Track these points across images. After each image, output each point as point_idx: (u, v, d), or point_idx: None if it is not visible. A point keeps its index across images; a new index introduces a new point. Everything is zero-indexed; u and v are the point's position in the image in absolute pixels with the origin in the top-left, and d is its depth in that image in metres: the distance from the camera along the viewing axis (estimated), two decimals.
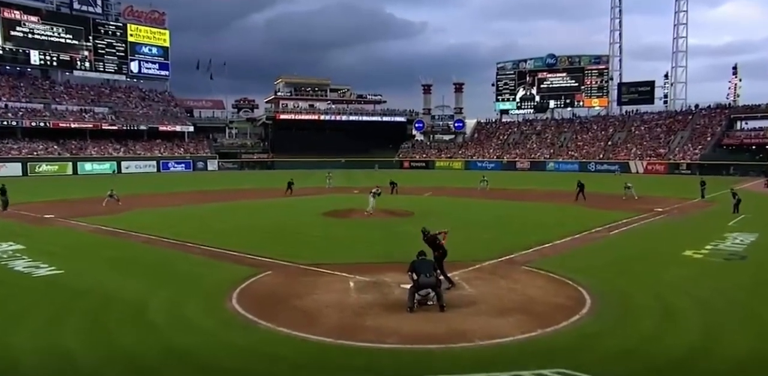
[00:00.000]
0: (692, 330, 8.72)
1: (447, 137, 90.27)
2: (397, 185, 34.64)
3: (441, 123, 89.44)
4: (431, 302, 9.66)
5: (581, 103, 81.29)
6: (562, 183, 42.84)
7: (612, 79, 79.46)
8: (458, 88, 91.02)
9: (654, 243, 16.64)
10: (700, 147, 62.28)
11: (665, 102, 75.71)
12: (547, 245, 15.87)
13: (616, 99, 78.71)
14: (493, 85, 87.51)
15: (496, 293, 10.90)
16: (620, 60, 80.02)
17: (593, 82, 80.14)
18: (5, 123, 62.27)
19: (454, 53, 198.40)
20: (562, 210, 25.37)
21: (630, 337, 8.40)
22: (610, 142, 71.23)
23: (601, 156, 67.86)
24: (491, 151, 79.10)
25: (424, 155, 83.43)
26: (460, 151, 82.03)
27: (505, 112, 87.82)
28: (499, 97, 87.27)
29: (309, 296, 10.63)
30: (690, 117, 69.55)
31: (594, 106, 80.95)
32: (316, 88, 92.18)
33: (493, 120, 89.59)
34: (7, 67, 69.80)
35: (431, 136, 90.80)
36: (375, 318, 9.20)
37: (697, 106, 71.04)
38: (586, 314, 9.45)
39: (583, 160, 67.86)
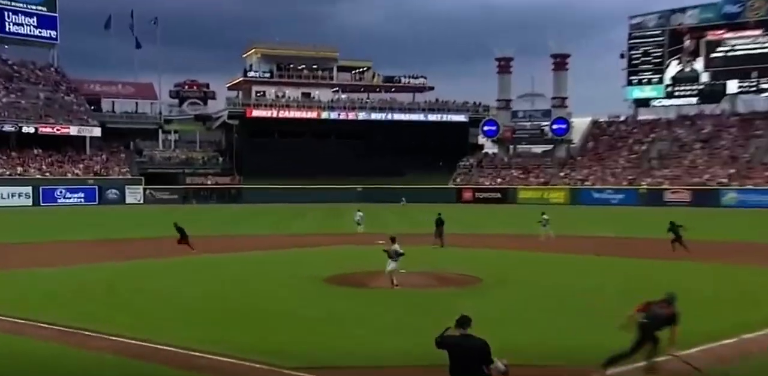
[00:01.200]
0: None
1: (539, 149, 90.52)
2: (444, 225, 34.88)
3: (528, 124, 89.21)
4: None
5: None
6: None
7: None
8: (560, 63, 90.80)
9: None
10: None
11: None
12: (729, 340, 14.82)
13: None
14: (622, 56, 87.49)
15: None
16: None
17: None
18: None
19: (553, 3, 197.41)
20: (756, 276, 24.19)
21: None
22: None
23: None
24: (618, 171, 78.05)
25: (499, 180, 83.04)
26: (561, 173, 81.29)
27: (643, 103, 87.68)
28: (632, 77, 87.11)
29: None
30: None
31: None
32: (315, 66, 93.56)
33: (623, 118, 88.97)
34: None
35: (511, 147, 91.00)
36: None
37: None
38: None
39: None
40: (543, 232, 37.09)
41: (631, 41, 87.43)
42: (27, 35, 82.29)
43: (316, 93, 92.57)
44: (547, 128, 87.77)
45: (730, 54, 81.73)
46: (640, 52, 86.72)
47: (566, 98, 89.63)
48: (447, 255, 30.45)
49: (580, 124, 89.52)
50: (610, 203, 71.09)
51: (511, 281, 22.87)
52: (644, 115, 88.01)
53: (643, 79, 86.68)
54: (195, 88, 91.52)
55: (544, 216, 37.92)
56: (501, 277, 23.63)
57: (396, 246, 21.94)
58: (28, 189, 70.79)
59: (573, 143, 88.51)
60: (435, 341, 9.13)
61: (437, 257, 29.11)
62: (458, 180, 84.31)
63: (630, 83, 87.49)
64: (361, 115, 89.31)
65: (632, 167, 78.49)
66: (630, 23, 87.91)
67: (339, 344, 14.78)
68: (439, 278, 23.94)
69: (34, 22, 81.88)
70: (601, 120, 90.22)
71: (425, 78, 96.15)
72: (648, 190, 72.24)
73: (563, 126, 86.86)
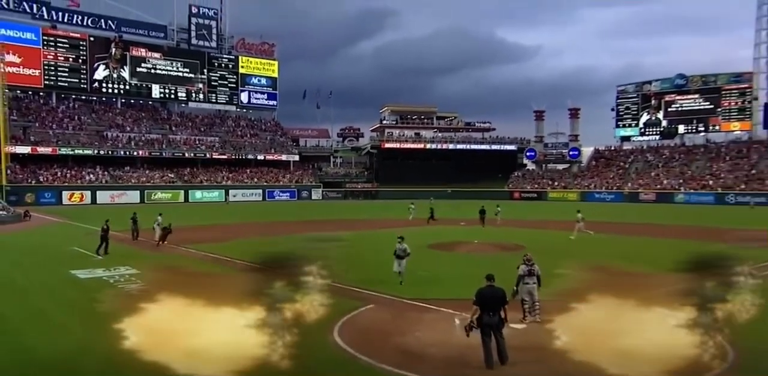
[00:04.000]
0: None
1: (561, 166, 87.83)
2: (486, 214, 33.54)
3: (554, 151, 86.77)
4: None
5: (717, 127, 76.60)
6: (694, 217, 40.28)
7: (756, 99, 73.88)
8: (574, 113, 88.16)
9: None
10: None
11: None
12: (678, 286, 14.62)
13: (762, 121, 72.63)
14: (612, 109, 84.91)
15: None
16: None
17: (732, 104, 75.36)
18: (127, 153, 68.67)
19: (570, 77, 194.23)
20: (696, 247, 23.44)
21: None
22: (753, 171, 65.75)
23: (743, 187, 62.62)
24: (610, 181, 75.73)
25: (536, 185, 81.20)
26: (575, 182, 79.23)
27: (626, 138, 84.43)
28: (619, 122, 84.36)
29: (412, 333, 10.63)
30: None
31: (733, 130, 75.99)
32: (423, 116, 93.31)
33: (613, 148, 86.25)
34: (132, 101, 77.64)
35: (543, 165, 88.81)
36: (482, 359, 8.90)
37: None
38: (727, 368, 8.67)
39: (721, 191, 62.97)
40: (496, 218, 34.42)
41: (618, 100, 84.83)
42: (260, 104, 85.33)
43: (423, 133, 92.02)
44: (566, 154, 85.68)
45: (680, 109, 79.01)
46: (624, 107, 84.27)
47: (578, 135, 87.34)
48: (503, 232, 29.07)
49: (587, 151, 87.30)
50: (605, 200, 69.47)
51: (544, 249, 21.11)
52: (627, 146, 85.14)
53: (626, 123, 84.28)
54: (352, 131, 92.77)
55: (498, 208, 35.60)
56: (537, 246, 21.82)
57: (405, 245, 15.53)
58: (260, 191, 72.86)
59: (582, 163, 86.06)
60: (475, 301, 8.87)
61: (495, 233, 28.25)
62: (510, 185, 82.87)
63: (617, 126, 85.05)
64: (451, 146, 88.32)
65: (619, 178, 76.08)
66: (617, 89, 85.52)
67: (435, 285, 14.94)
68: (496, 245, 23.66)
69: (264, 97, 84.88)
70: (600, 149, 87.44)
71: (490, 122, 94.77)
72: (629, 192, 69.87)
73: (576, 153, 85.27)
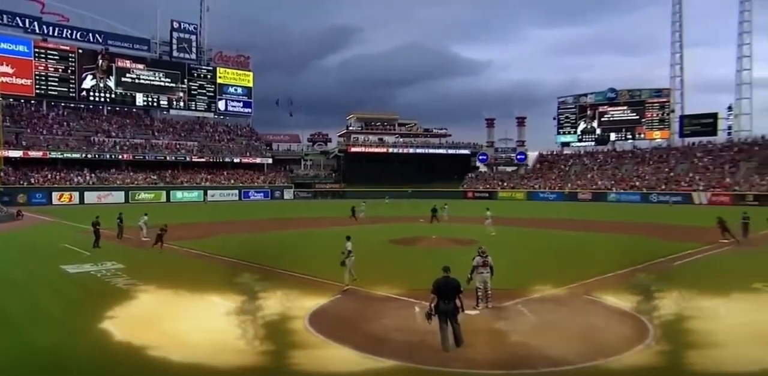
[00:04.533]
0: None
1: (509, 169, 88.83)
2: (437, 212, 33.50)
3: (504, 155, 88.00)
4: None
5: (642, 136, 79.00)
6: (623, 214, 41.48)
7: (673, 111, 76.85)
8: (521, 121, 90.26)
9: (719, 275, 15.60)
10: None
11: (729, 134, 72.20)
12: (609, 275, 15.19)
13: (678, 131, 75.87)
14: (554, 118, 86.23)
15: (558, 321, 10.61)
16: (681, 93, 77.29)
17: (654, 115, 77.98)
18: (112, 157, 67.04)
19: (518, 89, 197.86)
20: (625, 240, 24.35)
21: (691, 368, 8.12)
22: (672, 174, 68.11)
23: (663, 187, 64.80)
24: (553, 182, 77.15)
25: (488, 186, 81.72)
26: (522, 182, 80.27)
27: (566, 144, 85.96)
28: (560, 130, 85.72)
29: (377, 320, 10.67)
30: (756, 148, 65.59)
31: (655, 138, 78.50)
32: (385, 123, 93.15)
33: (555, 152, 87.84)
34: (117, 108, 75.69)
35: (494, 167, 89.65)
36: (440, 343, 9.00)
37: (763, 136, 67.02)
38: (648, 344, 9.03)
39: (645, 191, 64.95)
40: (443, 215, 34.15)
41: (559, 110, 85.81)
42: (236, 111, 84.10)
43: (386, 138, 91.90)
44: (514, 157, 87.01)
45: (611, 118, 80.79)
46: (564, 116, 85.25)
47: (524, 141, 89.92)
48: (458, 228, 28.82)
49: (532, 155, 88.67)
50: (548, 199, 70.52)
51: (495, 243, 20.64)
52: (567, 151, 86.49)
53: (565, 131, 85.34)
54: (321, 136, 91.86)
55: (445, 206, 35.40)
56: (488, 240, 21.82)
57: (348, 244, 14.00)
58: (236, 191, 71.72)
59: (528, 166, 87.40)
60: (432, 290, 8.88)
61: (451, 229, 28.06)
62: (465, 185, 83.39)
63: (559, 133, 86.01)
64: (411, 150, 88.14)
65: (560, 179, 77.53)
66: (558, 100, 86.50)
67: (397, 276, 14.68)
68: (453, 240, 23.51)
69: (240, 105, 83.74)
70: (544, 153, 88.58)
71: (446, 129, 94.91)
72: (569, 192, 71.19)
73: (523, 156, 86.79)
